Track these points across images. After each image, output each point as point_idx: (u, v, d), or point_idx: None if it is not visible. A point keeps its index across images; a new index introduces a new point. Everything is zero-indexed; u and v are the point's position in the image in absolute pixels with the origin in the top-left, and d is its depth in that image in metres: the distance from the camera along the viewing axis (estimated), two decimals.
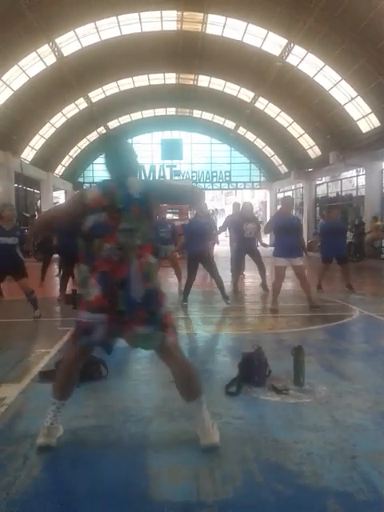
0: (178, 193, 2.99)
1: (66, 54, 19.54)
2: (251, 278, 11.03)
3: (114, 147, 3.01)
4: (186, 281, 7.95)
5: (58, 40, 18.58)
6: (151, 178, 27.74)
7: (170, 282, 10.02)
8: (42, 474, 2.55)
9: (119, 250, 2.64)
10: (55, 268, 12.21)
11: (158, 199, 2.93)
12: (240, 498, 2.31)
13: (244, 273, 11.01)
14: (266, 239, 8.24)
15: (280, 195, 31.26)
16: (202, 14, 18.88)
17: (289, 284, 7.49)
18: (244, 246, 9.29)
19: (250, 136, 31.01)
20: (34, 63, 19.08)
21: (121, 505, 2.28)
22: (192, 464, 2.61)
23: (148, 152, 32.23)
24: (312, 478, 2.46)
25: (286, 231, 7.24)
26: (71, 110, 25.32)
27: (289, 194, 29.97)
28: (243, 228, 9.14)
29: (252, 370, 3.81)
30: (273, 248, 7.55)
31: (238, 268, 9.77)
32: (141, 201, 2.72)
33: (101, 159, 33.06)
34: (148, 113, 30.55)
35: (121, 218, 2.69)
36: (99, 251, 2.66)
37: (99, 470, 2.58)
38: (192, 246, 7.91)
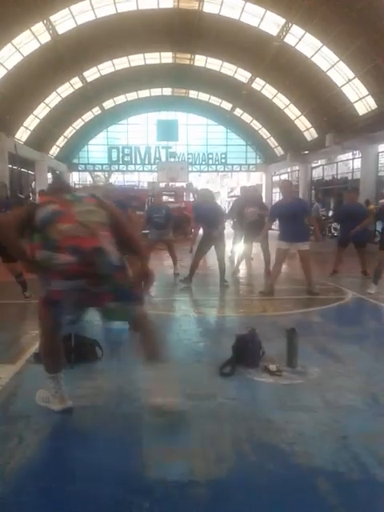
0: None
1: (60, 32, 19.15)
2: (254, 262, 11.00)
3: None
4: (193, 260, 7.96)
5: (52, 17, 18.16)
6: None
7: (165, 265, 10.01)
8: (36, 454, 2.57)
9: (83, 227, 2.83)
10: None
11: None
12: (233, 477, 2.35)
13: (252, 257, 11.01)
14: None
15: (276, 178, 31.17)
16: None
17: (283, 267, 7.54)
18: (247, 231, 9.22)
19: (247, 117, 30.72)
20: (28, 41, 18.68)
21: (115, 484, 2.31)
22: (185, 444, 2.65)
23: (143, 133, 31.96)
24: (303, 458, 2.50)
25: (285, 217, 7.21)
26: (66, 90, 24.90)
27: (285, 176, 29.85)
28: (244, 212, 9.08)
29: (246, 352, 3.84)
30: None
31: (244, 251, 9.68)
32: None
33: (96, 140, 32.85)
34: (144, 93, 30.11)
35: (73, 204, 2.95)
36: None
37: (93, 450, 2.61)
38: (206, 227, 7.90)
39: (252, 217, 8.96)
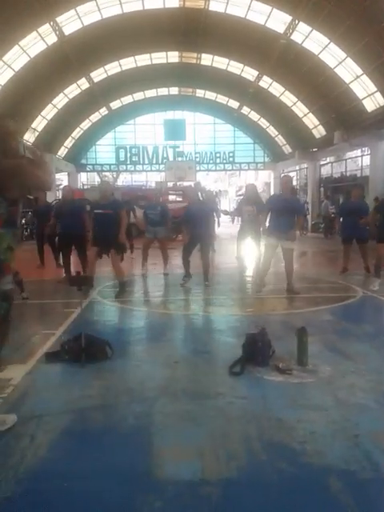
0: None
1: (66, 33, 19.24)
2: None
3: None
4: (182, 258, 8.09)
5: (58, 19, 18.27)
6: None
7: (173, 265, 10.00)
8: (47, 454, 2.58)
9: None
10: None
11: None
12: (243, 476, 2.34)
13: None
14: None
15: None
16: None
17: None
18: (245, 229, 9.20)
19: (254, 115, 30.65)
20: (35, 43, 18.79)
21: (125, 483, 2.31)
22: (196, 443, 2.64)
23: (151, 133, 31.98)
24: (315, 457, 2.49)
25: (280, 211, 7.16)
26: (73, 91, 25.01)
27: (293, 174, 29.70)
28: (243, 211, 9.08)
29: (256, 351, 3.83)
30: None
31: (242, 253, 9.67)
32: None
33: (104, 140, 32.85)
34: (150, 92, 30.17)
35: None
36: None
37: (104, 449, 2.62)
38: (193, 228, 7.95)
39: (248, 216, 8.93)
